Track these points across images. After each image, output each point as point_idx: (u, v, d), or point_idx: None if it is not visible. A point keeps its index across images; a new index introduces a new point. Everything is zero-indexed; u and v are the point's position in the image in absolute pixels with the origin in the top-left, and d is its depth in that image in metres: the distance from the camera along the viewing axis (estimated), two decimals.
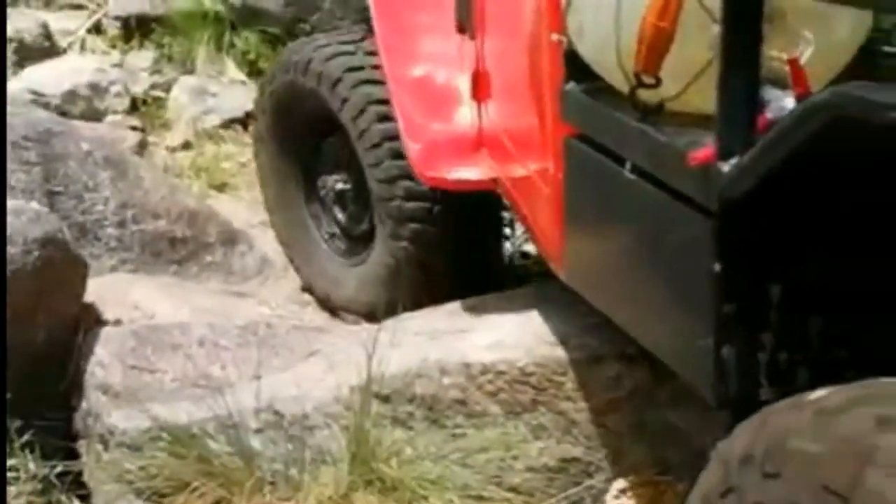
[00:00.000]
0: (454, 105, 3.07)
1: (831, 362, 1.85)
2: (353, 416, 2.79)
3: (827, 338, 1.84)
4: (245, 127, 4.90)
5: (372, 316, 3.34)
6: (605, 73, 2.26)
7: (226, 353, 3.17)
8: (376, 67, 3.28)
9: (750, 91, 1.80)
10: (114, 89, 5.07)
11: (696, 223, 1.92)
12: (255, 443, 2.87)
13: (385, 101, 3.23)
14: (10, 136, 3.52)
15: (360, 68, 3.33)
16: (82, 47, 5.40)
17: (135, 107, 5.10)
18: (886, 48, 2.03)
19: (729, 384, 1.91)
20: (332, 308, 3.60)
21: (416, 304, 3.15)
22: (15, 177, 3.48)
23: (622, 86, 2.15)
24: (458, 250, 3.25)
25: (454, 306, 3.14)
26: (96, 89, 5.04)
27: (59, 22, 5.43)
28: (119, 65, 5.26)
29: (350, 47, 3.42)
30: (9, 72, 4.96)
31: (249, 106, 4.65)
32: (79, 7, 5.60)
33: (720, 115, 1.83)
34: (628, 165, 2.12)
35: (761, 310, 1.87)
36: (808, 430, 1.42)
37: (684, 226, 1.96)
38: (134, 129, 4.96)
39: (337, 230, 3.65)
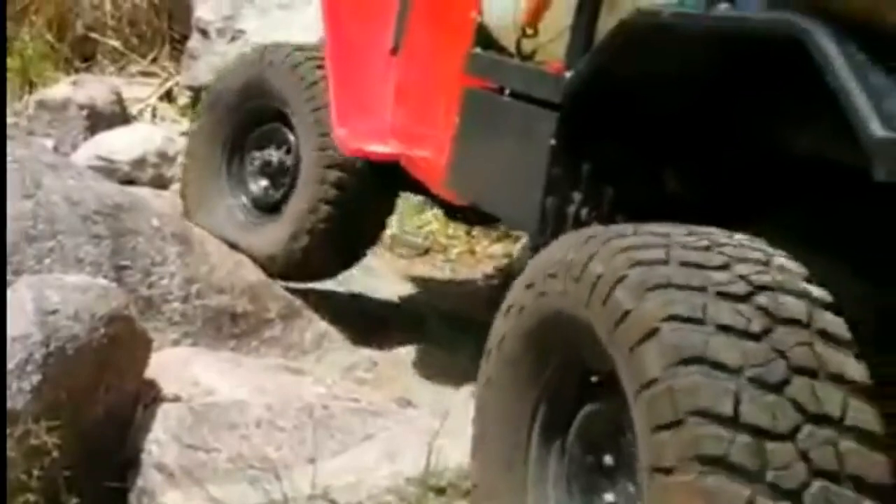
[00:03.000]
0: (376, 106, 3.97)
1: (613, 220, 2.57)
2: None
3: (614, 204, 2.64)
4: None
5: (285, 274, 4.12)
6: (502, 38, 3.20)
7: (282, 434, 3.17)
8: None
9: (589, 31, 2.72)
10: (181, 158, 5.11)
11: (546, 116, 2.75)
12: None
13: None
14: (81, 209, 3.57)
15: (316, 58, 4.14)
16: (153, 115, 5.47)
17: None
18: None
19: (547, 227, 2.70)
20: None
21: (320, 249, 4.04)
22: (84, 250, 3.50)
23: (512, 46, 3.06)
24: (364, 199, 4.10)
25: None
26: (164, 157, 5.09)
27: (130, 90, 5.50)
28: (187, 133, 5.32)
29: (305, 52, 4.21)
30: (80, 137, 5.03)
31: None
32: (151, 75, 5.67)
33: (569, 45, 2.74)
34: (507, 92, 3.02)
35: (575, 177, 2.68)
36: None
37: (538, 120, 2.79)
38: None
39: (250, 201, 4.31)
